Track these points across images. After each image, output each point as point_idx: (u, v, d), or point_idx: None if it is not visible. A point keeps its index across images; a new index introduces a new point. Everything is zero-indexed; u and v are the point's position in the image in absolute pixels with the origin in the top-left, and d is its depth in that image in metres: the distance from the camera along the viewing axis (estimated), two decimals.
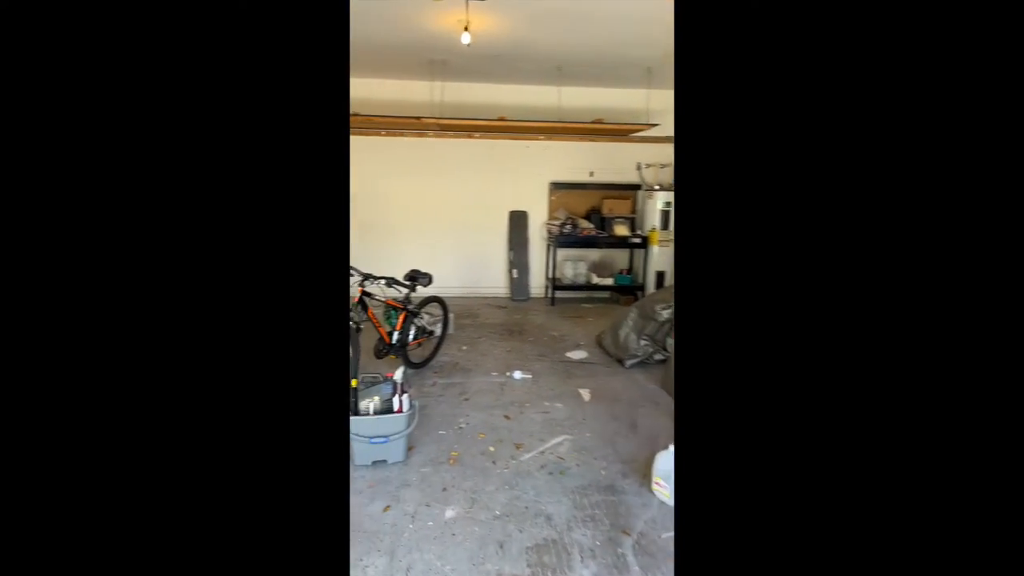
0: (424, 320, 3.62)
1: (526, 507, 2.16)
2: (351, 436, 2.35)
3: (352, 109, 5.38)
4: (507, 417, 2.98)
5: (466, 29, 3.95)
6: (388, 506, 2.14)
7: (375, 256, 6.13)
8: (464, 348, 4.21)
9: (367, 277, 3.03)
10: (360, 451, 2.40)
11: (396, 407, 2.44)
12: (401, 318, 3.37)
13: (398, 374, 2.52)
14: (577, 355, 4.10)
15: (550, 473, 2.42)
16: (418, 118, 5.12)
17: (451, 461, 2.49)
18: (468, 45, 4.21)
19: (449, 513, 2.10)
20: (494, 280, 6.23)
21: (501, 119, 5.31)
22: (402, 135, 5.95)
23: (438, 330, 3.85)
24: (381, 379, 2.54)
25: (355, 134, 5.93)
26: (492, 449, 2.62)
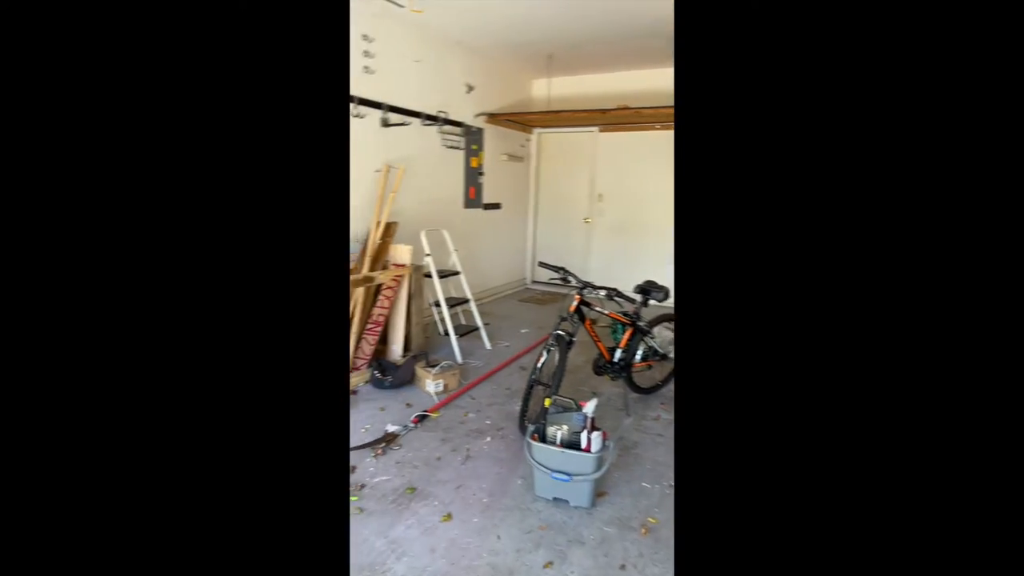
0: (656, 340, 3.08)
1: None
2: (534, 464, 2.09)
3: (596, 105, 5.11)
4: None
5: None
6: (551, 563, 1.80)
7: (626, 260, 5.78)
8: None
9: (586, 286, 2.70)
10: (541, 483, 2.12)
11: (583, 444, 2.06)
12: (627, 335, 2.94)
13: (590, 406, 2.12)
14: None
15: None
16: (668, 107, 4.48)
17: (643, 530, 1.97)
18: None
19: None
20: None
21: None
22: (652, 128, 5.39)
23: (673, 353, 3.25)
24: (574, 406, 2.20)
25: (607, 131, 5.66)
26: None
